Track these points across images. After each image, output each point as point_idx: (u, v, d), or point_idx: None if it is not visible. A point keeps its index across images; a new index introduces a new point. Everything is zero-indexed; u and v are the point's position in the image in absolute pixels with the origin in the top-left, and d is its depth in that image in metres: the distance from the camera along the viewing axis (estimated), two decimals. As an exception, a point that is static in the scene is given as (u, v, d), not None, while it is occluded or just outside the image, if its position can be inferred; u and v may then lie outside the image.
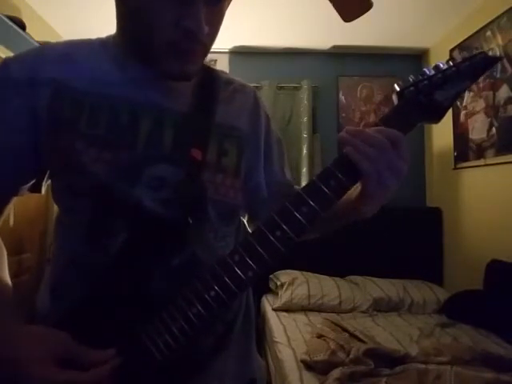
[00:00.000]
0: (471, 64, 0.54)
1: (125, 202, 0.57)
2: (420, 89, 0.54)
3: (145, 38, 0.56)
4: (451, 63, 0.55)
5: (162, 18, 0.53)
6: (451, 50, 2.64)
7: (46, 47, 0.63)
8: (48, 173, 0.63)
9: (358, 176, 0.51)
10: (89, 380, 0.46)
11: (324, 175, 0.51)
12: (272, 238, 0.50)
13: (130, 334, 0.52)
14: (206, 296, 0.50)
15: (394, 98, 0.55)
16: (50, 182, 0.64)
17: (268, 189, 0.73)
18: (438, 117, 0.56)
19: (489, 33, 2.26)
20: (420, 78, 0.55)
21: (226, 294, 0.50)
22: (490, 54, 0.55)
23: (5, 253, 0.63)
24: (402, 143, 0.51)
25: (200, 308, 0.50)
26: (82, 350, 0.48)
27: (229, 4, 0.62)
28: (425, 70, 0.55)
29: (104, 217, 0.57)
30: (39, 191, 0.65)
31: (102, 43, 0.64)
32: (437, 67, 0.55)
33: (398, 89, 0.55)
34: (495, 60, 0.56)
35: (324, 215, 0.51)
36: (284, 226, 0.50)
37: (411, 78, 0.55)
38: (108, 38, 0.64)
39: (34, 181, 0.63)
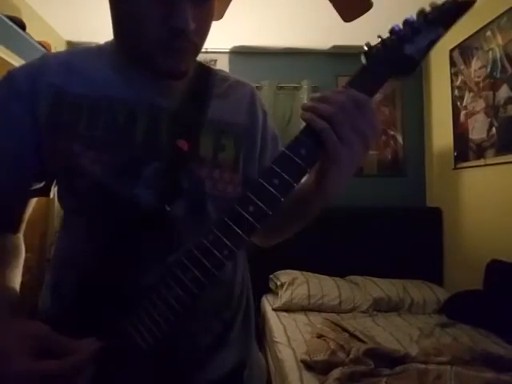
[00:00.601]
0: (441, 12, 0.52)
1: (123, 202, 0.57)
2: (388, 45, 0.52)
3: (136, 39, 0.57)
4: (419, 15, 0.53)
5: (150, 18, 0.54)
6: (451, 50, 2.64)
7: (49, 57, 0.65)
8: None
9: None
10: (66, 368, 0.45)
11: (293, 145, 0.50)
12: (245, 213, 0.49)
13: (124, 331, 0.52)
14: (184, 278, 0.50)
15: (362, 58, 0.53)
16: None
17: None
18: (409, 71, 0.54)
19: (489, 33, 2.26)
20: (388, 35, 0.53)
21: (203, 274, 0.50)
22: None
23: (21, 258, 0.64)
24: (367, 104, 0.49)
25: (179, 291, 0.50)
26: (61, 339, 0.47)
27: (229, 4, 0.62)
28: (394, 26, 0.53)
29: (103, 217, 0.58)
30: (47, 195, 0.66)
31: (99, 49, 0.66)
32: (405, 21, 0.53)
33: (365, 48, 0.53)
34: (467, 4, 0.53)
35: (296, 185, 0.49)
36: (257, 201, 0.49)
37: (379, 37, 0.53)
38: (106, 44, 0.66)
39: (41, 184, 0.64)
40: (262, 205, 0.49)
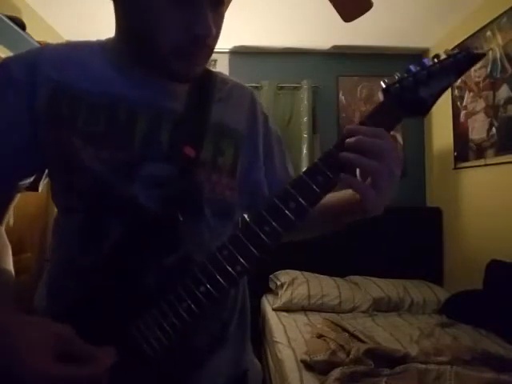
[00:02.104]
0: (455, 60, 0.55)
1: (121, 200, 0.57)
2: (405, 86, 0.54)
3: (151, 42, 0.56)
4: (435, 60, 0.55)
5: (173, 24, 0.54)
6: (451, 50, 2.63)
7: (45, 48, 0.64)
8: (47, 171, 0.64)
9: (345, 172, 0.51)
10: (87, 376, 0.45)
11: (311, 171, 0.52)
12: (260, 233, 0.50)
13: (123, 332, 0.52)
14: (197, 291, 0.51)
15: (380, 94, 0.56)
16: (48, 181, 0.65)
17: (270, 187, 0.74)
18: (423, 112, 0.56)
19: (489, 33, 2.26)
20: (405, 75, 0.55)
21: (215, 289, 0.51)
22: (474, 51, 0.57)
23: (9, 249, 0.64)
24: (396, 148, 0.53)
25: (190, 303, 0.51)
26: (84, 345, 0.47)
27: (228, 4, 0.62)
28: (410, 66, 0.55)
29: (100, 215, 0.57)
30: (36, 189, 0.66)
31: (101, 45, 0.64)
32: (422, 64, 0.55)
33: (383, 86, 0.55)
34: (478, 57, 0.56)
35: (311, 210, 0.51)
36: (272, 222, 0.50)
37: (397, 76, 0.55)
38: (108, 40, 0.65)
39: (31, 179, 0.64)
40: (276, 226, 0.50)
